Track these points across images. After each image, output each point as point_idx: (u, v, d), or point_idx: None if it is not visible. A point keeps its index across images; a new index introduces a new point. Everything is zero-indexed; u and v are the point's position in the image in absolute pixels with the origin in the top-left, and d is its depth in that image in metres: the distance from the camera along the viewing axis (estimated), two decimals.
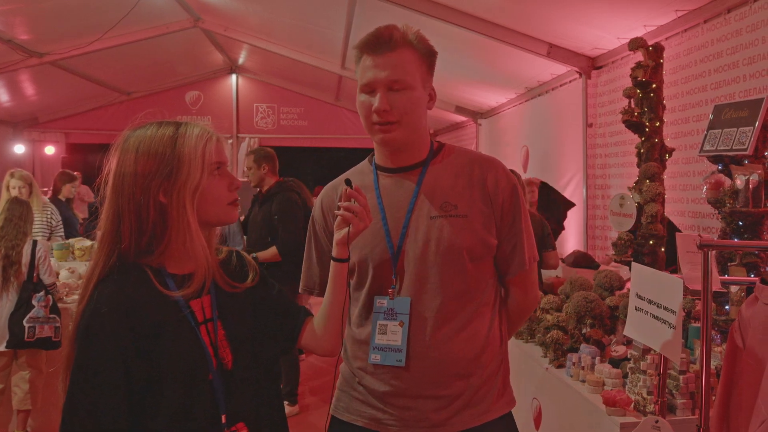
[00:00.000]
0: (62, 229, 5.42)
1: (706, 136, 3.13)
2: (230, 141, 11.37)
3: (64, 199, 6.31)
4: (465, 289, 1.61)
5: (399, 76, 1.54)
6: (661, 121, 3.98)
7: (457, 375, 1.59)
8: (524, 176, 7.25)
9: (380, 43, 1.55)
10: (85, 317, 1.29)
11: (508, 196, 1.64)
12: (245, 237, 5.25)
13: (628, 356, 2.35)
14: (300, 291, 1.81)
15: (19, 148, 10.35)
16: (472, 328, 1.61)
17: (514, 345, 3.10)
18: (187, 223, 1.34)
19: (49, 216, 5.25)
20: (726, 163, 2.94)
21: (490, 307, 1.67)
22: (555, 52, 5.59)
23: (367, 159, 1.76)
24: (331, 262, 1.52)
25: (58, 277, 4.38)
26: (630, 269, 2.03)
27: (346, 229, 1.48)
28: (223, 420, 1.34)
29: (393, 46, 1.55)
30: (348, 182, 1.50)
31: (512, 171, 1.87)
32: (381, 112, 1.55)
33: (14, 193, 4.70)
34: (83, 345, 1.27)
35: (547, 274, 4.45)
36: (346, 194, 1.48)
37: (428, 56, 1.63)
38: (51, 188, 6.48)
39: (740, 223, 2.81)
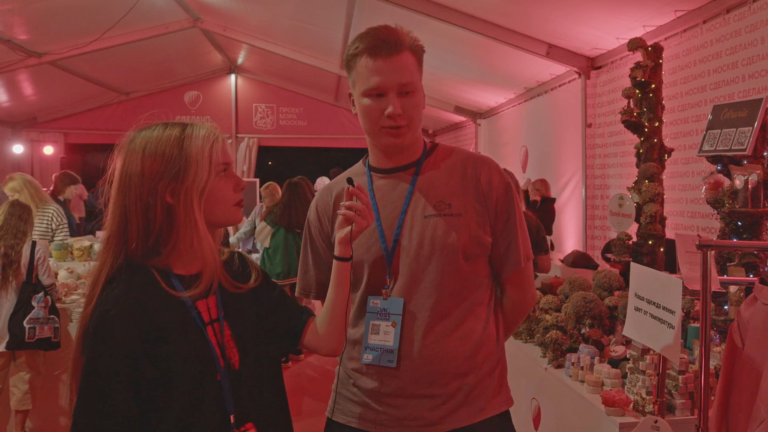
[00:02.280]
0: (66, 230, 5.35)
1: (705, 136, 3.13)
2: (229, 141, 11.37)
3: (63, 200, 6.28)
4: (459, 288, 1.61)
5: (408, 80, 1.55)
6: (660, 122, 3.98)
7: (451, 374, 1.59)
8: (523, 177, 7.27)
9: (386, 45, 1.53)
10: (93, 320, 1.28)
11: (502, 194, 1.64)
12: None
13: (627, 356, 2.35)
14: (297, 294, 1.82)
15: (18, 148, 10.35)
16: (466, 327, 1.61)
17: (513, 345, 3.10)
18: (195, 223, 1.34)
19: (49, 218, 5.21)
20: (725, 163, 2.94)
21: (485, 306, 1.67)
22: (554, 52, 5.60)
23: (361, 161, 1.76)
24: (334, 261, 1.52)
25: (56, 278, 4.38)
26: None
27: (349, 227, 1.48)
28: (232, 420, 1.34)
29: (399, 48, 1.54)
30: (350, 181, 1.49)
31: (506, 170, 1.87)
32: (396, 116, 1.54)
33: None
34: (92, 348, 1.26)
35: (541, 276, 4.42)
36: (348, 193, 1.48)
37: (421, 56, 1.63)
38: (51, 189, 6.44)
39: (739, 224, 2.81)
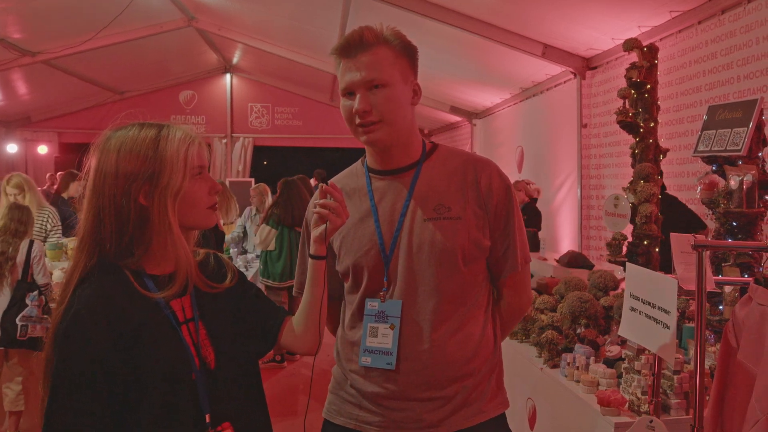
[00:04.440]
0: (59, 232, 5.36)
1: (700, 136, 3.13)
2: (224, 141, 11.36)
3: (67, 198, 6.27)
4: (459, 292, 1.60)
5: (375, 75, 1.53)
6: (656, 122, 3.99)
7: (450, 377, 1.58)
8: (518, 177, 7.28)
9: (352, 45, 1.55)
10: (64, 320, 1.27)
11: (503, 197, 1.63)
12: None
13: (623, 356, 2.35)
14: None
15: (11, 148, 10.31)
16: (465, 331, 1.61)
17: (508, 345, 3.10)
18: (169, 225, 1.33)
19: (44, 220, 5.21)
20: (720, 163, 2.95)
21: (482, 309, 1.66)
22: (550, 52, 5.61)
23: (359, 161, 1.75)
24: (309, 260, 1.53)
25: (51, 278, 4.37)
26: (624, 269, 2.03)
27: (323, 226, 1.48)
28: (207, 420, 1.34)
29: (366, 46, 1.54)
30: (324, 180, 1.50)
31: None
32: (361, 113, 1.54)
33: (11, 199, 4.71)
34: (62, 348, 1.25)
35: (537, 277, 4.46)
36: (322, 191, 1.49)
37: (406, 51, 1.61)
38: (54, 186, 6.45)
39: (734, 224, 2.81)
